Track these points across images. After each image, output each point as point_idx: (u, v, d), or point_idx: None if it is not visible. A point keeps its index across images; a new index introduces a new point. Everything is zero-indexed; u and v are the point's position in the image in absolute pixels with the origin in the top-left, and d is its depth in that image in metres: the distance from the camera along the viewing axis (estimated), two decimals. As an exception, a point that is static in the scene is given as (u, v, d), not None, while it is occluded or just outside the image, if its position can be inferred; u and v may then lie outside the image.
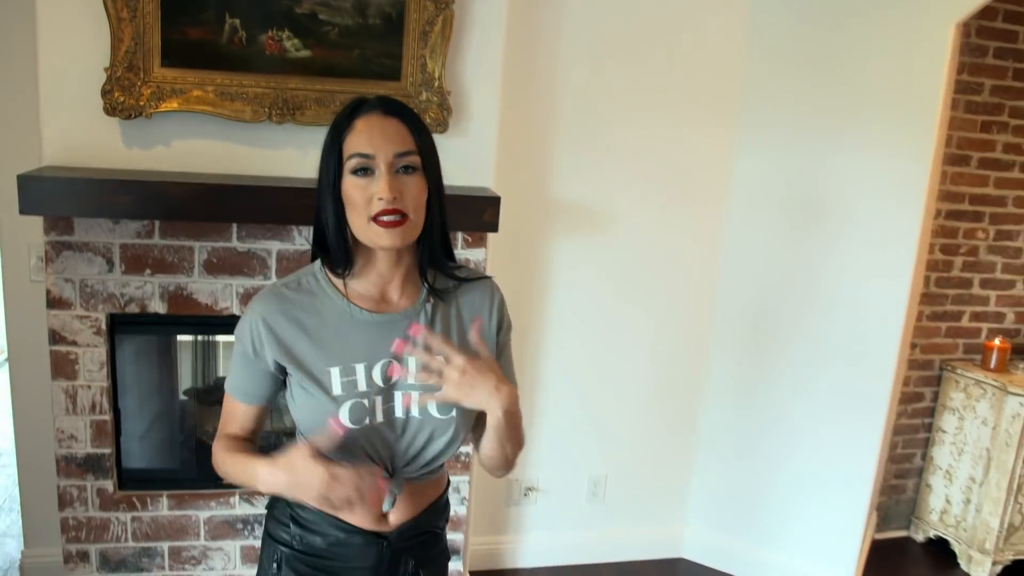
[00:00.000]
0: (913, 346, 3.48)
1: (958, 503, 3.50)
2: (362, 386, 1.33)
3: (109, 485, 2.53)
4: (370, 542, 1.42)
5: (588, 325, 3.05)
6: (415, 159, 1.28)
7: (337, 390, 1.33)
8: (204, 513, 2.62)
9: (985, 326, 3.56)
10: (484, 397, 1.27)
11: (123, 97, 2.26)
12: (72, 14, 2.24)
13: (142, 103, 2.27)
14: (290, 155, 2.42)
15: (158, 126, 2.34)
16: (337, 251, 1.32)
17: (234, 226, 2.40)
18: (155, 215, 2.31)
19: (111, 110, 2.26)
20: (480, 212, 2.41)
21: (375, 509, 1.37)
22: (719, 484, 3.27)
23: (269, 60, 2.32)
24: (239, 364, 1.40)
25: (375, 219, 1.26)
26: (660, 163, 3.00)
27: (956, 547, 3.51)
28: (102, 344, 2.42)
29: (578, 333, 3.04)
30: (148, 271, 2.40)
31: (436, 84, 2.44)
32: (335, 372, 1.33)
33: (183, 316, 2.45)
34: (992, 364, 3.41)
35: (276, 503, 1.48)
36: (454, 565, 2.83)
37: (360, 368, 1.33)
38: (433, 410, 1.36)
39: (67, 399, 2.45)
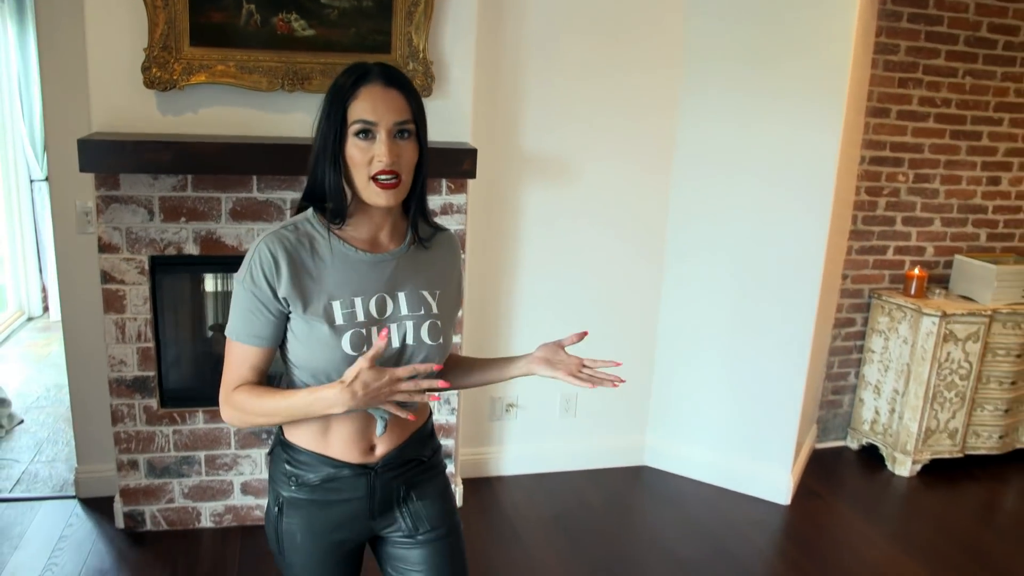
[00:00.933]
0: (844, 277, 4.00)
1: (885, 413, 4.04)
2: (360, 317, 1.48)
3: (154, 403, 3.03)
4: (358, 474, 1.56)
5: (556, 260, 3.55)
6: (411, 126, 1.44)
7: (339, 320, 1.46)
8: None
9: (908, 259, 4.08)
10: (547, 373, 1.66)
11: (159, 72, 2.72)
12: (114, 3, 2.70)
13: (175, 77, 2.74)
14: (300, 118, 2.90)
15: (189, 96, 2.81)
16: (336, 203, 1.47)
17: (254, 179, 2.88)
18: (188, 170, 2.78)
19: (149, 84, 2.73)
20: (460, 162, 2.90)
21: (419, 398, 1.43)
22: (675, 399, 3.79)
23: (280, 39, 2.79)
24: (246, 307, 1.47)
25: (374, 179, 1.42)
26: (616, 118, 3.48)
27: (884, 451, 4.06)
28: (145, 282, 2.91)
29: (548, 267, 3.54)
30: (183, 219, 2.88)
31: (421, 56, 2.91)
32: (336, 305, 1.47)
33: (213, 256, 2.93)
34: (912, 291, 3.93)
35: (275, 449, 1.63)
36: (447, 468, 3.35)
37: (358, 301, 1.48)
38: (425, 337, 1.53)
39: (117, 330, 2.93)
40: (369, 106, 1.41)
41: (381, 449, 1.59)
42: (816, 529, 3.49)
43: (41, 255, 5.69)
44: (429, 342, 1.53)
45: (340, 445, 1.55)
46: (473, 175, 2.93)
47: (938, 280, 4.13)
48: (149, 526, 3.14)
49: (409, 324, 1.52)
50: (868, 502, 3.77)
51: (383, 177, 1.42)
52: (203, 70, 2.75)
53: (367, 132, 1.42)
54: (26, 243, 5.57)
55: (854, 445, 4.22)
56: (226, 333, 1.51)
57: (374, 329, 1.49)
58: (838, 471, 4.02)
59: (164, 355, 3.03)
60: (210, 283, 3.15)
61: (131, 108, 2.79)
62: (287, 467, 1.58)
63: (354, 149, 1.42)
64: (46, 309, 5.76)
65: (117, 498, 3.13)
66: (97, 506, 3.29)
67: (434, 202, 3.05)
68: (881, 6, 3.69)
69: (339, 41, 2.84)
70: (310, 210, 1.52)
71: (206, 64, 2.75)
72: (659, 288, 3.72)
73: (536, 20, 3.29)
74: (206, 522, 3.18)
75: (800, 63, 3.29)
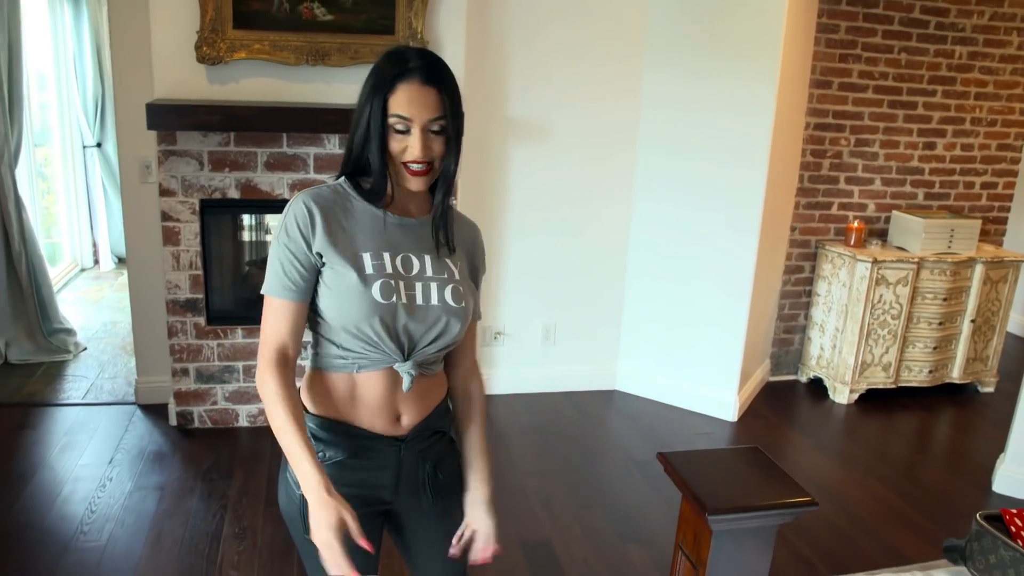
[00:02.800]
0: (793, 229, 4.70)
1: (828, 349, 4.75)
2: (388, 269, 1.59)
3: (202, 320, 3.82)
4: (387, 445, 1.66)
5: (538, 209, 4.30)
6: (443, 122, 1.54)
7: (369, 270, 1.57)
8: (266, 341, 3.89)
9: (851, 214, 4.77)
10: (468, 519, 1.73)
11: (208, 50, 3.49)
12: (174, -5, 3.48)
13: (221, 54, 3.50)
14: (320, 87, 3.66)
15: (232, 69, 3.58)
16: (378, 183, 1.59)
17: (284, 136, 3.65)
18: (231, 129, 3.55)
19: (201, 59, 3.49)
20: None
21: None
22: (642, 331, 4.53)
23: (305, 22, 3.55)
24: (281, 258, 1.57)
25: (405, 165, 1.55)
26: (587, 85, 4.21)
27: (827, 383, 4.77)
28: (196, 221, 3.69)
29: (531, 216, 4.28)
30: (227, 169, 3.65)
31: (419, 36, 3.65)
32: (367, 256, 1.58)
33: (251, 200, 3.71)
34: (852, 241, 4.63)
35: None
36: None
37: (386, 255, 1.60)
38: (449, 299, 1.63)
39: (173, 259, 3.72)
40: (405, 102, 1.52)
41: (408, 420, 1.67)
42: (756, 441, 4.21)
43: (92, 214, 6.52)
44: (453, 304, 1.63)
45: (367, 412, 1.64)
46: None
47: (879, 234, 4.81)
48: (197, 424, 3.94)
49: (434, 285, 1.63)
50: (806, 423, 4.49)
51: (415, 165, 1.55)
52: (243, 48, 3.52)
53: (403, 127, 1.53)
54: (80, 203, 6.41)
55: (803, 379, 4.94)
56: (262, 291, 1.61)
57: (401, 283, 1.59)
58: (786, 399, 4.74)
59: (210, 281, 3.81)
60: (247, 222, 3.93)
61: (186, 79, 3.56)
62: (313, 442, 1.61)
63: (392, 140, 1.55)
64: (96, 262, 6.61)
65: (171, 400, 3.92)
66: (153, 410, 4.10)
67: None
68: (822, -9, 4.37)
69: (352, 25, 3.59)
70: (343, 180, 1.64)
71: (246, 43, 3.52)
72: (628, 231, 4.45)
73: (518, 2, 4.02)
74: (243, 421, 3.98)
75: (741, 30, 3.98)
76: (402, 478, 1.70)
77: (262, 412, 3.95)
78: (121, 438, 3.85)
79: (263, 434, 3.92)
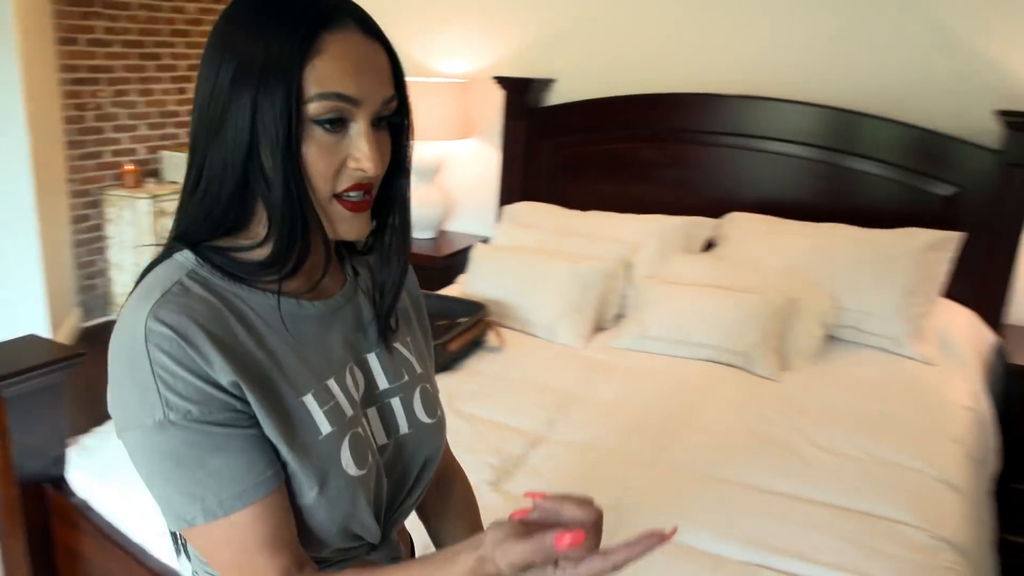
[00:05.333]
0: (71, 181, 5.06)
1: (130, 284, 5.20)
2: (347, 409, 0.98)
3: None
4: None
5: None
6: (393, 106, 0.93)
7: (326, 426, 0.94)
8: None
9: (125, 159, 5.31)
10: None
11: None
12: None
13: None
14: None
15: None
16: (291, 238, 0.91)
17: None
18: None
19: None
20: None
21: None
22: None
23: None
24: (191, 446, 0.87)
25: (341, 196, 0.92)
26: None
27: (137, 315, 5.32)
28: None
29: None
30: None
31: None
32: (310, 400, 0.94)
33: None
34: (131, 184, 5.19)
35: None
36: None
37: (333, 385, 0.98)
38: (422, 413, 1.08)
39: None
40: (350, 70, 0.88)
41: None
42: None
43: None
44: (427, 420, 1.08)
45: None
46: None
47: (153, 173, 5.46)
48: None
49: (396, 402, 1.06)
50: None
51: (355, 194, 0.93)
52: None
53: (339, 119, 0.89)
54: None
55: (116, 317, 5.40)
56: (179, 527, 0.89)
57: (367, 424, 1.01)
58: (104, 340, 5.16)
59: None
60: None
61: None
62: None
63: (317, 149, 0.89)
64: None
65: None
66: None
67: None
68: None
69: None
70: (187, 254, 0.95)
71: None
72: None
73: None
74: None
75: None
76: None
77: None
78: None
79: None
